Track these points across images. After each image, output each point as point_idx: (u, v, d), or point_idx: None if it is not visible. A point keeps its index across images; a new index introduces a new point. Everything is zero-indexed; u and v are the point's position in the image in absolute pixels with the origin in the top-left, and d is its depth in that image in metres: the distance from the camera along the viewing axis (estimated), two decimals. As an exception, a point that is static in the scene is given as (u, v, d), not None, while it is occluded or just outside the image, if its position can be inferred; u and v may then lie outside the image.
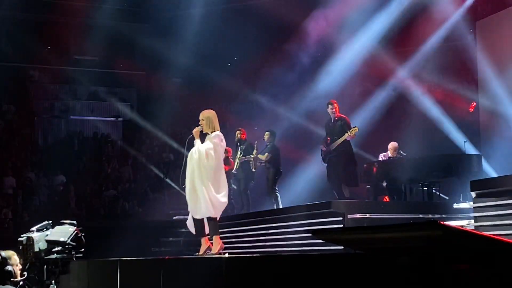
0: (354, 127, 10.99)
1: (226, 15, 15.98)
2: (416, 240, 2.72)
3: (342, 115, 11.26)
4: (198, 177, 7.55)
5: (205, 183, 7.52)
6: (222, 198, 7.61)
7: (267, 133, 12.58)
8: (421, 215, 9.21)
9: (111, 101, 20.39)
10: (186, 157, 7.80)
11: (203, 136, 7.81)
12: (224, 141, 7.86)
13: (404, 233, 2.69)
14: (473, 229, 7.23)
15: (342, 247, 5.25)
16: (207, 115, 7.85)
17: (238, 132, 12.82)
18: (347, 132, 10.86)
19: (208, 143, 7.66)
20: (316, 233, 2.95)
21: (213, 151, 7.58)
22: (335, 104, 11.23)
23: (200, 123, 7.83)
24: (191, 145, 7.79)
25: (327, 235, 3.07)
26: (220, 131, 7.86)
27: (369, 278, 3.35)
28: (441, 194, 12.08)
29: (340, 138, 10.96)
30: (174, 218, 13.89)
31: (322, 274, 3.77)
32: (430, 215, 9.29)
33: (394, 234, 2.74)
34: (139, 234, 12.67)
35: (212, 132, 7.75)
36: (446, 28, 15.22)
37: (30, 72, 19.25)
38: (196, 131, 7.80)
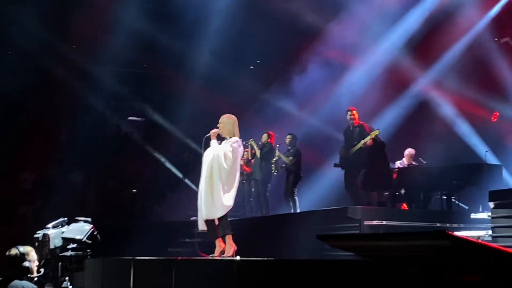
0: (375, 130, 10.97)
1: (249, 18, 15.97)
2: (424, 250, 2.69)
3: (360, 122, 11.24)
4: (212, 178, 7.54)
5: (217, 184, 7.50)
6: (228, 201, 7.57)
7: (289, 136, 12.51)
8: (438, 224, 9.15)
9: (134, 101, 20.50)
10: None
11: (221, 139, 7.82)
12: (242, 147, 7.87)
13: (412, 242, 2.67)
14: (484, 241, 7.17)
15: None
16: (226, 120, 7.82)
17: (265, 134, 12.69)
18: (364, 139, 10.87)
19: (227, 146, 7.64)
20: (323, 239, 2.93)
21: (231, 154, 7.58)
22: (354, 111, 11.23)
23: (218, 125, 7.83)
24: (207, 145, 7.80)
25: (334, 241, 3.06)
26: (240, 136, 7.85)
27: (377, 286, 3.34)
28: (460, 204, 11.99)
29: (358, 144, 10.95)
30: (192, 218, 13.89)
31: (331, 280, 3.76)
32: (447, 224, 9.23)
33: (401, 243, 2.71)
34: (157, 234, 12.72)
35: (230, 137, 7.74)
36: (470, 36, 15.09)
37: (55, 69, 19.38)
38: (214, 132, 7.81)
